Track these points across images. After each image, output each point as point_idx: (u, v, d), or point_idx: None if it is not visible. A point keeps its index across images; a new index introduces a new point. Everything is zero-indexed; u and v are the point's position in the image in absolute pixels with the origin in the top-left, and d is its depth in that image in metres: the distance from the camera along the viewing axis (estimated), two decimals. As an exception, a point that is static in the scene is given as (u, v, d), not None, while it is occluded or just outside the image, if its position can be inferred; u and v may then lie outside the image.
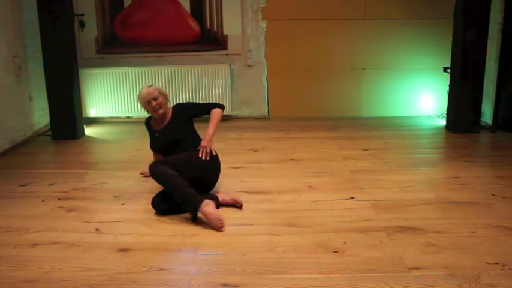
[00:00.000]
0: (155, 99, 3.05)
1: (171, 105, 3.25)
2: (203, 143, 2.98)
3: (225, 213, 2.80)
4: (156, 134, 3.17)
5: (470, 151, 4.17)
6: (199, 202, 2.61)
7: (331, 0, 5.29)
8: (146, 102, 3.06)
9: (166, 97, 3.15)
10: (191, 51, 5.44)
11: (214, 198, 2.87)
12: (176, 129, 3.09)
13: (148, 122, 3.27)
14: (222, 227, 2.58)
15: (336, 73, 5.49)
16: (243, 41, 5.42)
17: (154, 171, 2.77)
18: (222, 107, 3.14)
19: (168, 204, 2.79)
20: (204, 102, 3.23)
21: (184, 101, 5.25)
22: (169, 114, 3.16)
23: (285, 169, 3.68)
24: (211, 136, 3.00)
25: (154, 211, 2.83)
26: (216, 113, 3.08)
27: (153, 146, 3.22)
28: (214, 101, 5.35)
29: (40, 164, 3.95)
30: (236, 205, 2.90)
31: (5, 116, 4.28)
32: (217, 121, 3.05)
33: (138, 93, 3.14)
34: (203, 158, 2.92)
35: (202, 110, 3.19)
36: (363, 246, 2.36)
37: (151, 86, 3.12)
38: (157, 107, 3.05)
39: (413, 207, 2.87)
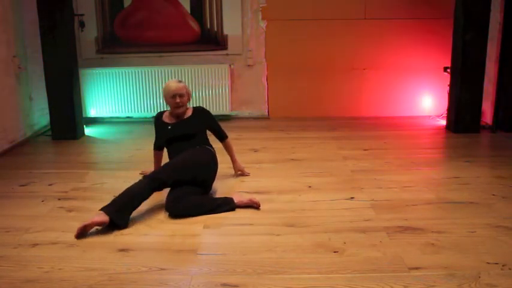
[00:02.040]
0: (181, 96, 3.15)
1: (192, 106, 3.35)
2: (241, 169, 3.49)
3: (227, 213, 2.81)
4: (169, 127, 3.20)
5: (470, 151, 4.17)
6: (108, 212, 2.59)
7: (331, 0, 5.29)
8: (172, 96, 3.14)
9: (189, 97, 3.26)
10: (191, 51, 5.45)
11: (230, 201, 2.86)
12: (192, 125, 3.19)
13: (159, 117, 3.31)
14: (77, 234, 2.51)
15: (336, 73, 5.49)
16: (243, 41, 5.43)
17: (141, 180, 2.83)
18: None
19: (182, 209, 2.78)
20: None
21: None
22: (189, 112, 3.26)
23: (285, 169, 3.68)
24: (239, 162, 3.50)
25: (154, 211, 2.84)
26: (231, 144, 3.45)
27: (162, 138, 3.24)
28: (214, 102, 5.39)
29: (40, 164, 3.95)
30: (254, 206, 2.88)
31: (5, 116, 4.28)
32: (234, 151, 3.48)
33: (165, 84, 3.23)
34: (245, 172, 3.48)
35: (217, 129, 3.38)
36: (363, 246, 2.36)
37: (180, 81, 3.21)
38: (181, 104, 3.15)
39: (413, 207, 2.87)
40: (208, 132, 3.36)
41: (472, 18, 4.51)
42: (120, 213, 2.61)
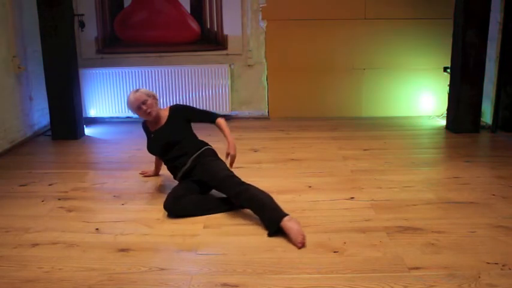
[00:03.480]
0: (144, 103, 3.00)
1: (169, 105, 3.21)
2: (232, 152, 2.95)
3: (227, 212, 2.80)
4: (152, 135, 3.13)
5: (470, 151, 4.17)
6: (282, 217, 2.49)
7: (331, 0, 5.30)
8: (136, 107, 3.01)
9: (155, 98, 3.10)
10: (191, 51, 5.45)
11: (229, 200, 2.81)
12: (172, 131, 3.04)
13: (144, 124, 3.23)
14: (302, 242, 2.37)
15: (336, 73, 5.49)
16: (243, 41, 5.43)
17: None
18: (223, 117, 3.12)
19: (181, 208, 2.77)
20: (202, 109, 3.15)
21: (184, 102, 5.29)
22: (166, 114, 3.10)
23: (285, 169, 3.68)
24: (234, 144, 2.99)
25: (154, 211, 2.84)
26: (224, 123, 3.08)
27: (150, 148, 3.19)
28: (214, 102, 5.39)
29: (40, 164, 3.95)
30: None
31: (5, 116, 4.28)
32: (229, 130, 3.05)
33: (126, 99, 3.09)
34: (231, 166, 2.94)
35: (202, 117, 3.15)
36: (363, 246, 2.36)
37: (137, 90, 3.06)
38: (148, 110, 3.01)
39: (413, 207, 2.87)
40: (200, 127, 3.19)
41: (472, 18, 4.51)
42: None
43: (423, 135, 4.80)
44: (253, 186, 2.71)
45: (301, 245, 2.35)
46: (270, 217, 2.52)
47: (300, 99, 5.56)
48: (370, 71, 5.47)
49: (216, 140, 3.36)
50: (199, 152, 2.99)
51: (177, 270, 2.18)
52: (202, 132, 3.25)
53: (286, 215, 2.48)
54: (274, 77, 5.52)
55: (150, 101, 3.02)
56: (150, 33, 5.42)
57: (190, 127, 3.16)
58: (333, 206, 2.91)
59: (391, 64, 5.44)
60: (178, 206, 2.76)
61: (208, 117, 3.13)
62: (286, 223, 2.43)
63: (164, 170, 3.52)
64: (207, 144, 3.13)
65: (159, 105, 3.14)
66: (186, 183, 2.93)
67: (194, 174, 2.94)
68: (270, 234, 2.48)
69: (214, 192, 3.12)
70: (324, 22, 5.35)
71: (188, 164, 2.95)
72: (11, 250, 2.38)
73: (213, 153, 3.06)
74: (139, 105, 3.00)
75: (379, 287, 2.00)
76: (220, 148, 3.22)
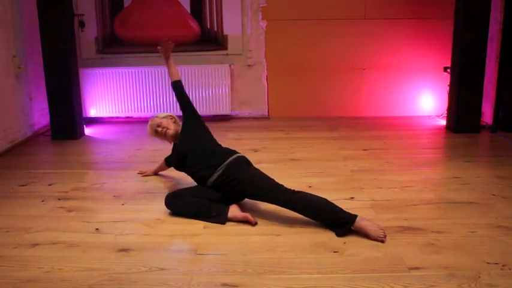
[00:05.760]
0: (159, 125, 3.05)
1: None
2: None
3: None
4: (175, 148, 3.14)
5: (470, 151, 4.17)
6: (355, 217, 2.50)
7: (331, 0, 5.30)
8: (154, 133, 3.08)
9: (170, 117, 3.13)
10: (191, 51, 5.44)
11: (223, 213, 2.69)
12: (185, 139, 2.99)
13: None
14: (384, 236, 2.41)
15: (336, 73, 5.49)
16: (243, 41, 5.43)
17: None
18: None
19: (175, 207, 2.77)
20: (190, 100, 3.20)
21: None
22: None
23: (285, 169, 3.68)
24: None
25: (154, 211, 2.84)
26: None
27: (172, 164, 3.17)
28: (214, 102, 5.39)
29: (40, 164, 3.95)
30: (249, 223, 2.67)
31: (5, 116, 4.28)
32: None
33: (149, 121, 3.16)
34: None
35: (177, 95, 3.13)
36: (363, 246, 2.36)
37: (152, 118, 3.14)
38: (164, 130, 3.03)
39: (413, 207, 2.87)
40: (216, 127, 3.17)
41: (472, 18, 4.51)
42: None
43: (423, 135, 4.80)
44: (306, 192, 2.66)
45: (385, 238, 2.39)
46: (339, 218, 2.50)
47: (300, 99, 5.56)
48: (370, 71, 5.47)
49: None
50: (228, 161, 2.80)
51: (177, 270, 2.18)
52: (215, 131, 3.16)
53: (356, 215, 2.48)
54: (274, 77, 5.52)
55: (164, 122, 3.06)
56: (150, 33, 5.41)
57: (207, 132, 3.06)
58: (333, 206, 2.91)
59: (391, 64, 5.44)
60: (173, 204, 2.76)
61: (175, 88, 3.17)
62: (360, 223, 2.45)
63: (165, 171, 3.53)
64: (235, 152, 2.95)
65: (177, 121, 3.15)
66: (205, 189, 2.82)
67: (226, 185, 2.76)
68: (339, 235, 2.47)
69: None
70: (324, 22, 5.35)
71: (216, 175, 2.77)
72: (11, 250, 2.38)
73: (246, 161, 2.91)
74: (155, 130, 3.06)
75: (379, 287, 2.00)
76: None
